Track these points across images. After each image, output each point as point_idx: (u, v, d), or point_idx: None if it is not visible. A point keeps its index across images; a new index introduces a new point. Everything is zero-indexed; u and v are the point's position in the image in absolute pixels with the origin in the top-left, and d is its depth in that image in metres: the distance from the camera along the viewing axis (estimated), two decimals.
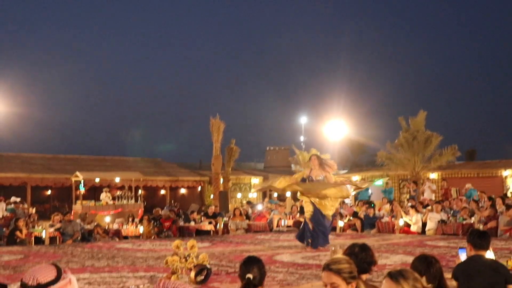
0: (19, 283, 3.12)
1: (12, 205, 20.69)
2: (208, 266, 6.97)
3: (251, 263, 4.02)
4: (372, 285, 4.42)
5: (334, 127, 35.21)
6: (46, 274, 3.05)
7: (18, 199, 21.90)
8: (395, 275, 2.95)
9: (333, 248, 5.17)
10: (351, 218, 17.61)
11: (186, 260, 6.82)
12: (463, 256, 5.76)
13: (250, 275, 3.89)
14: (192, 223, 18.07)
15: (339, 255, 4.64)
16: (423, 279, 3.15)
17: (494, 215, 14.91)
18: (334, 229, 17.21)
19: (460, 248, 6.07)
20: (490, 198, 16.68)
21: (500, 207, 15.69)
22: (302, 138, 56.23)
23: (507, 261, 6.03)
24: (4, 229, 16.21)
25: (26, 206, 21.63)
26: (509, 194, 20.86)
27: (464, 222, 14.84)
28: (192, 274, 6.68)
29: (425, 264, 3.91)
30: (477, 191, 18.71)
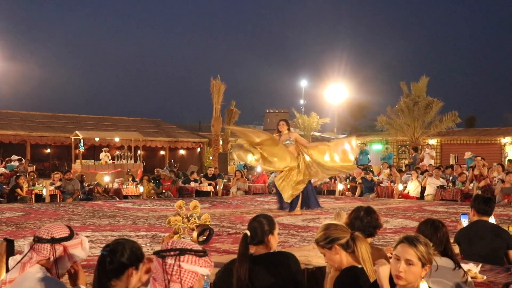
0: (24, 239, 3.18)
1: (16, 162, 20.76)
2: (210, 226, 7.00)
3: (253, 220, 4.01)
4: (376, 247, 4.46)
5: (334, 91, 35.10)
6: (60, 230, 3.12)
7: (22, 159, 21.98)
8: (412, 240, 2.97)
9: (337, 211, 5.18)
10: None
11: (189, 220, 6.84)
12: (465, 222, 5.79)
13: (247, 232, 3.89)
14: (192, 184, 18.20)
15: (343, 219, 4.67)
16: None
17: (481, 174, 15.12)
18: (333, 192, 17.33)
19: (462, 214, 6.11)
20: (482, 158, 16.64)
21: (499, 174, 15.76)
22: (302, 101, 56.08)
23: (508, 227, 6.06)
24: (4, 186, 16.29)
25: (26, 163, 21.69)
26: (506, 162, 20.89)
27: (463, 188, 14.94)
28: (195, 234, 6.71)
29: (432, 229, 3.92)
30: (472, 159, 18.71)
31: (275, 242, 3.96)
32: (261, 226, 3.91)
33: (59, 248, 3.08)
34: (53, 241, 3.07)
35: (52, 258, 3.07)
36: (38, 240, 3.10)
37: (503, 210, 11.34)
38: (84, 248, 3.19)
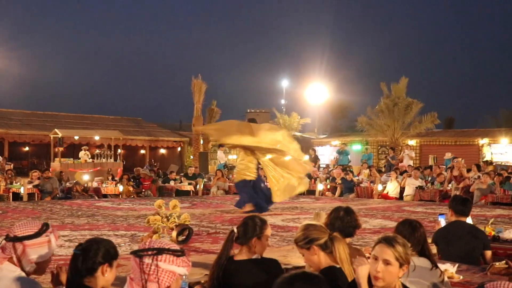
0: None
1: None
2: (190, 226, 6.98)
3: (249, 217, 3.99)
4: (355, 247, 4.48)
5: (315, 91, 35.19)
6: (26, 229, 3.13)
7: (0, 156, 21.68)
8: (390, 240, 2.98)
9: (316, 211, 5.20)
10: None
11: (168, 220, 6.81)
12: (442, 222, 5.85)
13: (234, 228, 3.87)
14: (172, 183, 18.11)
15: (323, 219, 4.68)
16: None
17: (461, 175, 15.27)
18: (313, 192, 17.36)
19: (440, 214, 6.16)
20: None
21: (475, 173, 15.97)
22: (283, 101, 56.10)
23: (484, 227, 6.14)
24: None
25: (4, 161, 21.39)
26: (481, 163, 21.15)
27: (441, 188, 15.10)
28: (174, 233, 6.68)
29: (410, 229, 3.95)
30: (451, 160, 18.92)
31: (261, 248, 3.88)
32: (253, 225, 3.87)
33: (19, 247, 3.10)
34: (15, 239, 3.10)
35: (14, 257, 3.09)
36: (5, 237, 3.15)
37: (480, 211, 11.48)
38: (50, 247, 3.17)
